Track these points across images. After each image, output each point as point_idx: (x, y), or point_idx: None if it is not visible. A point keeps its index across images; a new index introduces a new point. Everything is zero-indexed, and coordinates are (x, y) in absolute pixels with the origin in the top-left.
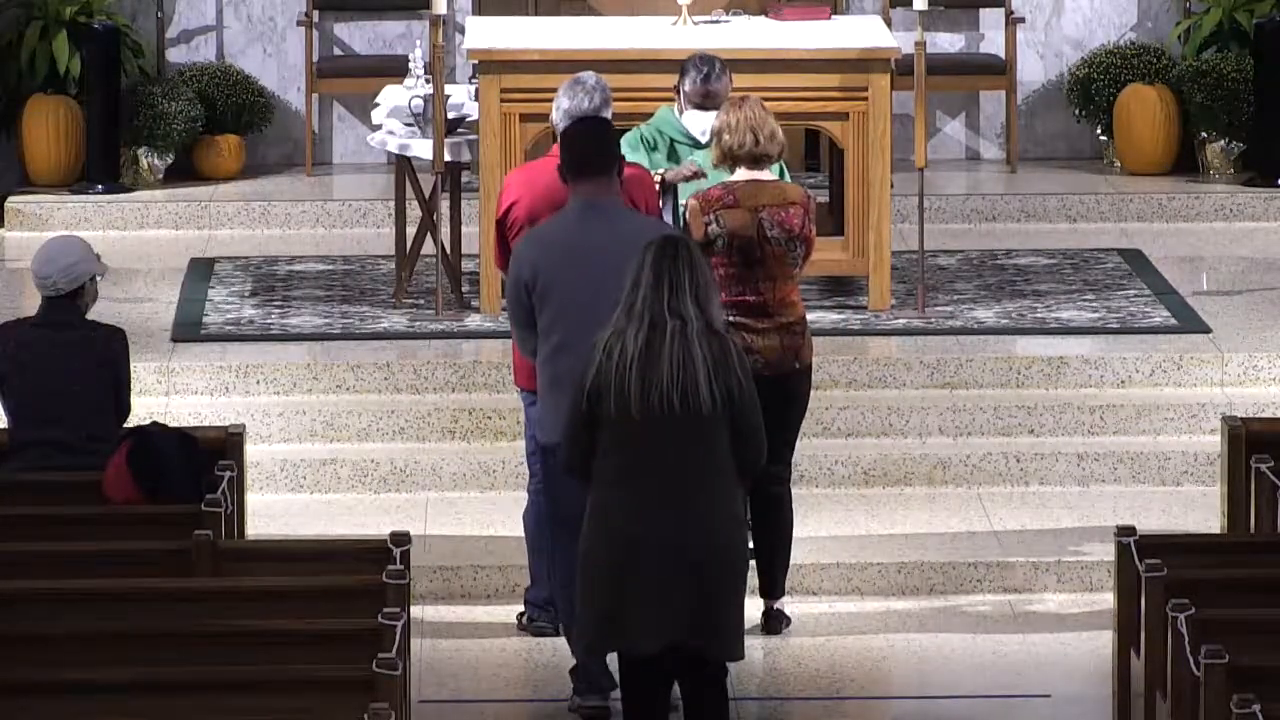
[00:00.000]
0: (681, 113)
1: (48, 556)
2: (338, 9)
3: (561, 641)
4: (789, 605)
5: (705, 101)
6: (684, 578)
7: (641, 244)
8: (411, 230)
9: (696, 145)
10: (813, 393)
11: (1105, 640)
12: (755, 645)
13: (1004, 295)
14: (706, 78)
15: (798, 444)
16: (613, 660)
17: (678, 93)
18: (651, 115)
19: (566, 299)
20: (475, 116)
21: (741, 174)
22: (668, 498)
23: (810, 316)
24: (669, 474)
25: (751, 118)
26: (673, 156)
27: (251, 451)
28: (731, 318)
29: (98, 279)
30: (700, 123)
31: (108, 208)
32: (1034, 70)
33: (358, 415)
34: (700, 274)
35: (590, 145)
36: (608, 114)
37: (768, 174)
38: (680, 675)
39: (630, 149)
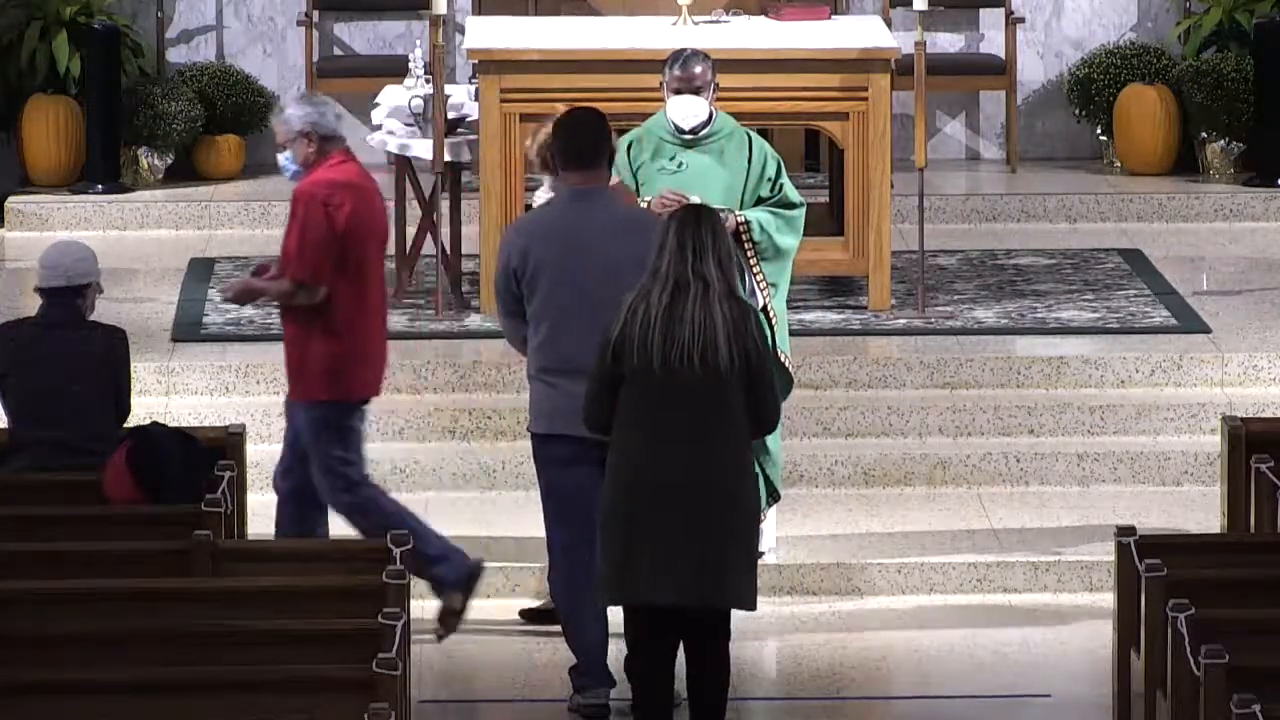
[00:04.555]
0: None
1: (48, 556)
2: (338, 9)
3: (561, 641)
4: (787, 604)
5: (683, 85)
6: (698, 527)
7: (628, 231)
8: (411, 230)
9: (679, 140)
10: (813, 393)
11: (1105, 640)
12: (755, 645)
13: (1004, 295)
14: (685, 62)
15: (798, 443)
16: (612, 656)
17: (662, 87)
18: (650, 116)
19: (555, 285)
20: (475, 116)
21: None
22: (684, 452)
23: (810, 316)
24: (686, 429)
25: None
26: (660, 154)
27: (251, 451)
28: None
29: (99, 288)
30: (680, 108)
31: (108, 208)
32: (1034, 70)
33: None
34: (723, 241)
35: (583, 135)
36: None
37: None
38: (688, 631)
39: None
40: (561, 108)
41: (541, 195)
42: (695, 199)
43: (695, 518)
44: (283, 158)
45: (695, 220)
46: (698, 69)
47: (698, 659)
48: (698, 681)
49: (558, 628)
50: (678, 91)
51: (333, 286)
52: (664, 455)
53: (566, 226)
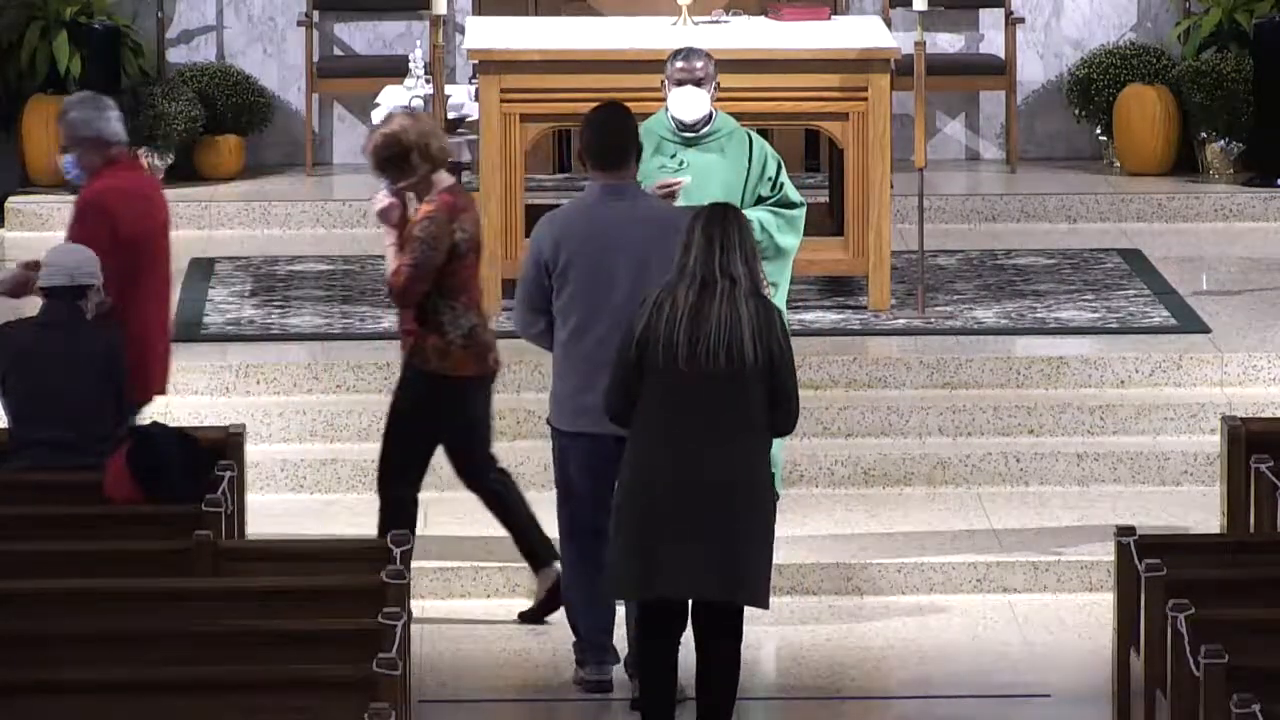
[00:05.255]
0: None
1: (48, 556)
2: (338, 9)
3: (561, 642)
4: (787, 604)
5: (685, 76)
6: (716, 524)
7: (659, 228)
8: None
9: (679, 138)
10: (813, 393)
11: (1105, 640)
12: (755, 645)
13: (1004, 295)
14: (687, 55)
15: (798, 443)
16: (616, 637)
17: (663, 86)
18: (651, 115)
19: (584, 280)
20: (475, 116)
21: (445, 178)
22: (704, 448)
23: (810, 316)
24: (708, 426)
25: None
26: (660, 152)
27: (251, 451)
28: (477, 317)
29: (100, 292)
30: (681, 99)
31: None
32: (1034, 70)
33: (358, 415)
34: (749, 238)
35: (611, 134)
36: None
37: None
38: (698, 625)
39: None
40: (395, 122)
41: (381, 199)
42: (686, 179)
43: (713, 515)
44: (65, 160)
45: (722, 218)
46: (699, 62)
47: (707, 659)
48: (706, 682)
49: (555, 629)
50: (680, 83)
51: (115, 293)
52: (684, 452)
53: (597, 222)
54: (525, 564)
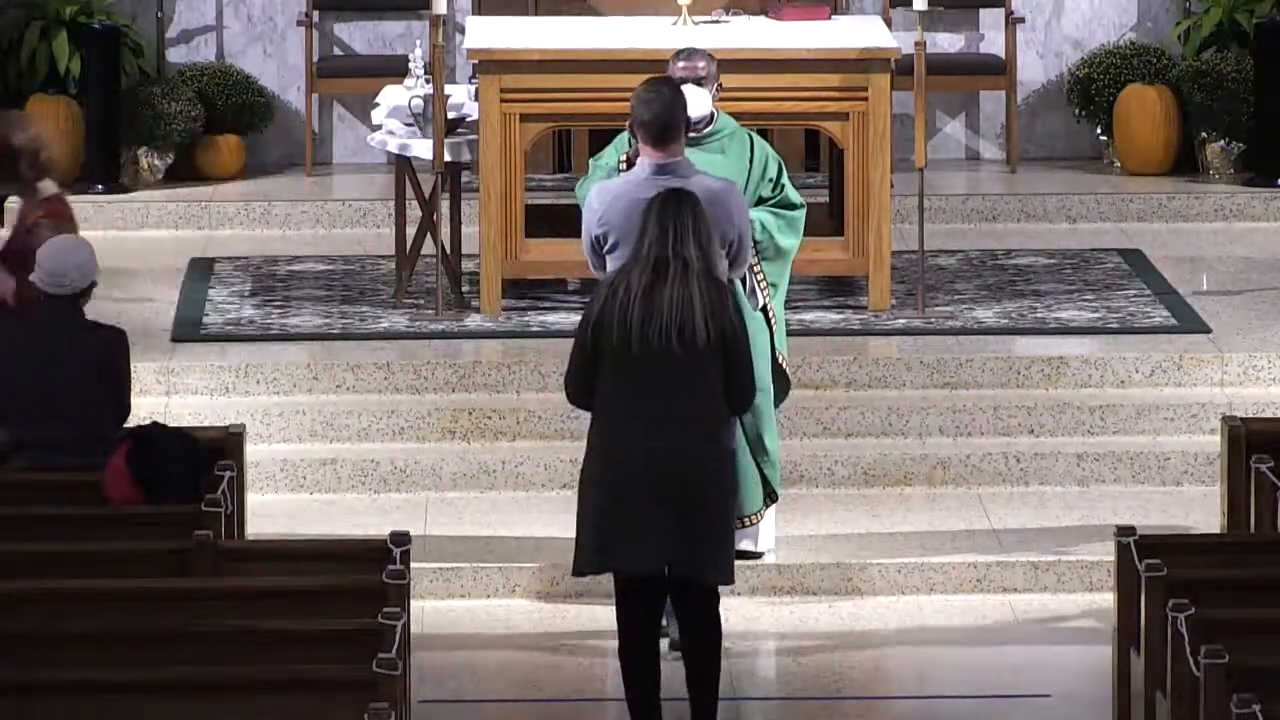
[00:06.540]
0: None
1: (48, 556)
2: (338, 9)
3: (561, 643)
4: (787, 604)
5: (687, 74)
6: (674, 501)
7: (705, 204)
8: (411, 230)
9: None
10: (813, 393)
11: (1105, 640)
12: (755, 645)
13: (1004, 295)
14: (689, 54)
15: (798, 443)
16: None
17: None
18: None
19: (629, 251)
20: (475, 116)
21: (50, 186)
22: (662, 427)
23: (810, 316)
24: (664, 404)
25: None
26: None
27: (251, 451)
28: None
29: (96, 284)
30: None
31: (108, 208)
32: (1034, 70)
33: (358, 415)
34: (703, 222)
35: (661, 110)
36: None
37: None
38: (674, 601)
39: (614, 150)
40: (6, 125)
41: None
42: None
43: (674, 493)
44: None
45: (677, 203)
46: (701, 61)
47: (690, 626)
48: (691, 649)
49: (554, 629)
50: (681, 81)
51: None
52: (641, 432)
53: (642, 200)
54: (525, 564)
